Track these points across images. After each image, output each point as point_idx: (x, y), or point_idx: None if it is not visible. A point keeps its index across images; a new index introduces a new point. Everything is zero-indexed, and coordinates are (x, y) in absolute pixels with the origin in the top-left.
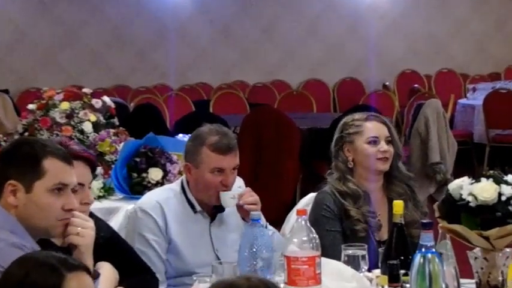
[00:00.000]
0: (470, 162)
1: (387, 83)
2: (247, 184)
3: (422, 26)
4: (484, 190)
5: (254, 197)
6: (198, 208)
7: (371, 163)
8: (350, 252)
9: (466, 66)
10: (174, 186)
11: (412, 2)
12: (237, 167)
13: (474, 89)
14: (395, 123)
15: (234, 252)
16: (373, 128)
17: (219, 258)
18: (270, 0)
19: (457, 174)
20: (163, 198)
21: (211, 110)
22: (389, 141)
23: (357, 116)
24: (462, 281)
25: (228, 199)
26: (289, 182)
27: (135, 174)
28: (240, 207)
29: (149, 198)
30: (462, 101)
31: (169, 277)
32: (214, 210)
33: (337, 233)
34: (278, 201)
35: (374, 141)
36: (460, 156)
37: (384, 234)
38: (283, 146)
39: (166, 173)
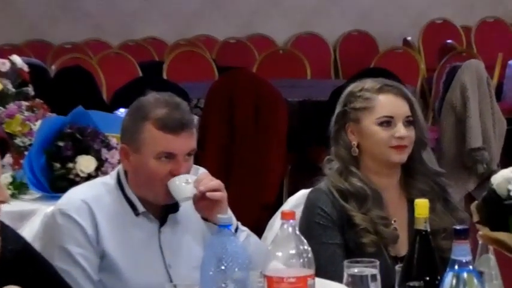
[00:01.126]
0: None
1: (409, 38)
2: (216, 176)
3: None
4: None
5: (216, 181)
6: (141, 209)
7: (383, 152)
8: (356, 271)
9: None
10: (108, 179)
11: None
12: (193, 152)
13: None
14: (421, 94)
15: (193, 270)
16: (388, 103)
17: (172, 278)
18: None
19: (506, 164)
20: (92, 196)
21: (164, 75)
22: (409, 123)
23: (367, 84)
24: None
25: (182, 186)
26: (273, 174)
27: (57, 165)
28: (198, 201)
29: (72, 198)
30: None
31: None
32: (164, 211)
33: (337, 246)
34: (258, 201)
35: (388, 122)
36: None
37: (402, 248)
38: (265, 125)
39: (101, 162)
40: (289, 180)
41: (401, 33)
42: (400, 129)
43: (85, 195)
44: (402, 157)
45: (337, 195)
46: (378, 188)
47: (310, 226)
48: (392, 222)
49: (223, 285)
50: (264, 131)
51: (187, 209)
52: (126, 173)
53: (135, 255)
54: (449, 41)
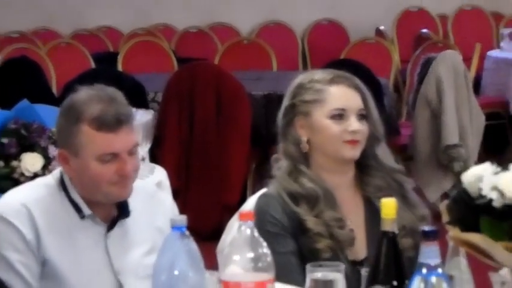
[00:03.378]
0: (504, 144)
1: (382, 28)
2: (173, 177)
3: None
4: None
5: None
6: (87, 211)
7: (334, 147)
8: (319, 275)
9: (496, 2)
10: (50, 180)
11: None
12: (136, 147)
13: (511, 36)
14: (394, 88)
15: (145, 278)
16: (340, 95)
17: (123, 286)
18: None
19: (484, 162)
20: (33, 199)
21: (119, 67)
22: (363, 117)
23: (318, 75)
24: None
25: None
26: (235, 173)
27: (1, 163)
28: None
29: (11, 201)
30: (493, 53)
31: None
32: (114, 215)
33: (290, 254)
34: (220, 201)
35: (340, 116)
36: (490, 136)
37: (360, 251)
38: (227, 121)
39: (48, 160)
40: (253, 179)
41: (373, 22)
42: (353, 123)
43: (25, 198)
44: (355, 153)
45: (287, 198)
46: (330, 187)
47: (263, 234)
48: (348, 223)
49: None
50: (226, 127)
51: (139, 214)
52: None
53: (80, 262)
54: (424, 30)
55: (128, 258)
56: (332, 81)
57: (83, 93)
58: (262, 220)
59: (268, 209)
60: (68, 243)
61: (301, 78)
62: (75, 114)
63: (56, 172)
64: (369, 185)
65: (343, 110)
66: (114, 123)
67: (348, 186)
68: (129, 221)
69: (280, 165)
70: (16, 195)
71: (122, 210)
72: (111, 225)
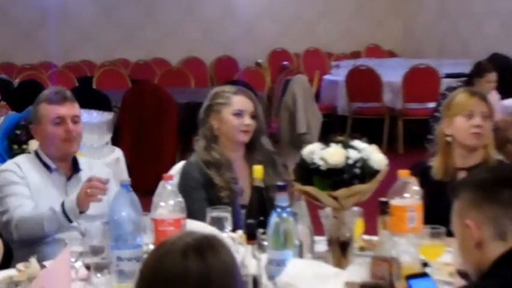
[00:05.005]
0: (334, 133)
1: (260, 61)
2: (127, 155)
3: (292, 9)
4: (333, 155)
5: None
6: (53, 166)
7: (234, 134)
8: (215, 214)
9: (330, 45)
10: (31, 153)
11: None
12: (77, 118)
13: (337, 66)
14: (267, 98)
15: (96, 212)
16: (240, 101)
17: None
18: None
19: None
20: (19, 161)
21: (94, 85)
22: (253, 117)
23: (227, 88)
24: (316, 238)
25: None
26: (167, 156)
27: (15, 146)
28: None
29: (9, 162)
30: (327, 76)
31: (24, 240)
32: (70, 171)
33: (203, 200)
34: (158, 171)
35: (239, 114)
36: (325, 128)
37: (246, 199)
38: (162, 120)
39: None
40: (179, 156)
41: (254, 57)
42: (247, 119)
43: (16, 160)
44: (247, 138)
45: (202, 164)
46: (229, 159)
47: (185, 187)
48: (239, 181)
49: (125, 225)
50: (161, 124)
51: (89, 174)
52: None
53: (50, 197)
54: (285, 62)
55: None
56: (236, 92)
57: (45, 90)
58: (185, 178)
59: (190, 171)
60: (43, 189)
61: (216, 89)
62: (38, 99)
63: (33, 149)
64: (253, 159)
65: (241, 110)
66: (60, 99)
67: (240, 159)
68: (80, 175)
69: (198, 143)
70: (12, 160)
71: (75, 168)
72: (69, 177)
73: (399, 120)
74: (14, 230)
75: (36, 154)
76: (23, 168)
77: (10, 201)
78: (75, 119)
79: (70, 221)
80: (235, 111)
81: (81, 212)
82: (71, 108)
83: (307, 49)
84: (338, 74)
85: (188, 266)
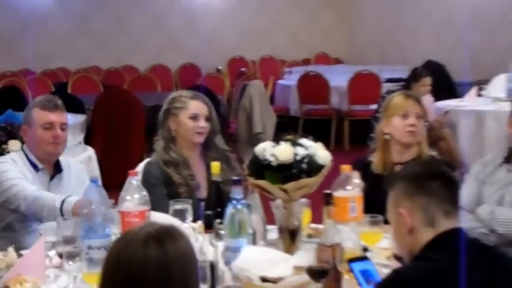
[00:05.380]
0: (287, 132)
1: (220, 67)
2: (99, 153)
3: (249, 20)
4: (283, 152)
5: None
6: (40, 166)
7: (190, 135)
8: (177, 207)
9: (283, 53)
10: (19, 152)
11: None
12: (65, 126)
13: (290, 72)
14: (227, 101)
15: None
16: (195, 106)
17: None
18: None
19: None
20: (13, 157)
21: (69, 90)
22: (207, 119)
23: (184, 93)
24: (268, 227)
25: None
26: (135, 152)
27: None
28: None
29: (4, 157)
30: (280, 81)
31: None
32: (53, 171)
33: (163, 196)
34: (127, 168)
35: (195, 117)
36: (279, 127)
37: (203, 193)
38: (131, 121)
39: (23, 143)
40: (147, 154)
41: (215, 64)
42: (202, 122)
43: (10, 156)
44: (202, 139)
45: (161, 163)
46: (186, 157)
47: (146, 185)
48: (197, 178)
49: (94, 218)
50: (129, 125)
51: (71, 173)
52: (27, 145)
53: None
54: (242, 69)
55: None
56: (192, 97)
57: (38, 97)
58: (146, 176)
59: (150, 169)
60: (31, 182)
61: (174, 94)
62: (31, 104)
63: (19, 148)
64: (208, 157)
65: (196, 114)
66: (52, 106)
67: (197, 157)
68: (62, 175)
69: (158, 143)
70: (7, 155)
71: (57, 168)
72: (52, 176)
73: (345, 121)
74: (23, 201)
75: (24, 153)
76: (17, 161)
77: (16, 178)
78: (63, 126)
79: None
80: (191, 114)
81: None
82: (60, 116)
83: (263, 57)
84: (290, 79)
85: (148, 253)
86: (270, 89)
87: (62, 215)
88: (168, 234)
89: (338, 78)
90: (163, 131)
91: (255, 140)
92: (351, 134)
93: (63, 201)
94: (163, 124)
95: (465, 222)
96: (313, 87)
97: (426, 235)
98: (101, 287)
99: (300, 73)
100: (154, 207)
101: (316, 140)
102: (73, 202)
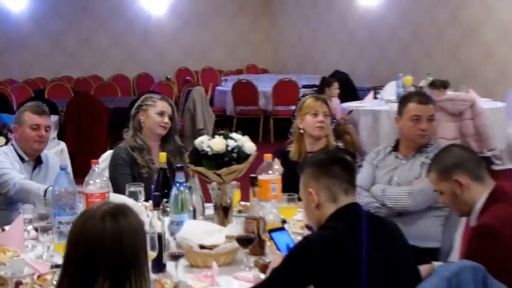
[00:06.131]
0: (223, 128)
1: (169, 76)
2: (70, 146)
3: (193, 38)
4: (217, 144)
5: None
6: (26, 158)
7: (155, 127)
8: (132, 189)
9: (220, 65)
10: (8, 146)
11: (183, 21)
12: (49, 128)
13: (226, 80)
14: (175, 103)
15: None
16: (163, 105)
17: None
18: (88, 18)
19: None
20: (4, 149)
21: (46, 96)
22: (170, 118)
23: (155, 95)
24: (206, 204)
25: None
26: (101, 144)
27: None
28: None
29: None
30: (218, 87)
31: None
32: (35, 162)
33: (128, 175)
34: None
35: (161, 114)
36: (217, 125)
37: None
38: (96, 119)
39: (8, 140)
40: (110, 147)
41: (165, 74)
42: (166, 119)
43: (2, 149)
44: (163, 132)
45: (128, 148)
46: (149, 146)
47: (114, 165)
48: (156, 163)
49: (62, 199)
50: (95, 124)
51: (49, 164)
52: (15, 141)
53: None
54: (187, 78)
55: (39, 182)
56: (161, 98)
57: (29, 103)
58: (115, 158)
59: (119, 153)
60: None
61: (146, 95)
62: (24, 108)
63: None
64: (165, 148)
65: (163, 111)
66: (40, 111)
67: (157, 147)
68: (43, 166)
69: (128, 133)
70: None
71: (38, 160)
72: (34, 167)
73: (270, 119)
74: (12, 187)
75: (14, 148)
76: (9, 155)
77: (8, 168)
78: (47, 129)
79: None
80: (159, 111)
81: None
82: (46, 120)
83: (204, 68)
84: (226, 86)
85: (105, 227)
86: (210, 93)
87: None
88: (121, 212)
89: (264, 85)
90: (134, 122)
91: (198, 135)
92: (275, 130)
93: (45, 190)
94: (135, 117)
95: (362, 198)
96: (244, 92)
97: (329, 209)
98: (66, 255)
99: (233, 81)
100: (119, 184)
101: (247, 134)
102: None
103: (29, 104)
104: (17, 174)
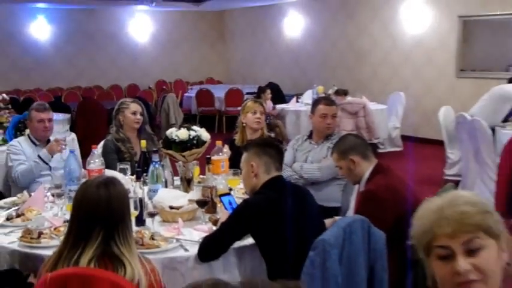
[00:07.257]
0: (188, 123)
1: (151, 86)
2: (79, 135)
3: (168, 58)
4: (182, 133)
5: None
6: (38, 143)
7: (131, 124)
8: (121, 166)
9: (188, 77)
10: (25, 136)
11: (162, 46)
12: (51, 119)
13: (191, 89)
14: (154, 105)
15: (57, 165)
16: (134, 106)
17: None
18: (93, 45)
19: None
20: (19, 140)
21: (62, 100)
22: (141, 115)
23: (128, 99)
24: (174, 177)
25: None
26: (101, 135)
27: (18, 133)
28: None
29: (12, 141)
30: (186, 94)
31: (24, 184)
32: (46, 145)
33: (115, 159)
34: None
35: (134, 113)
36: (185, 120)
37: (137, 158)
38: (97, 116)
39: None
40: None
41: (147, 83)
42: (138, 116)
43: (17, 139)
44: (138, 126)
45: (114, 140)
46: (129, 137)
47: (105, 153)
48: (134, 149)
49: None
50: (97, 120)
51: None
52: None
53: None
54: (164, 87)
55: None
56: (132, 101)
57: (34, 103)
58: (105, 148)
59: (108, 143)
60: (31, 154)
61: (122, 100)
62: (31, 108)
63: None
64: (141, 137)
65: (135, 111)
66: (42, 109)
67: (135, 137)
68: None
69: (112, 129)
70: (15, 139)
71: (47, 143)
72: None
73: (223, 116)
74: (17, 179)
75: (29, 136)
76: (22, 144)
77: (15, 162)
78: (50, 120)
79: (46, 163)
80: (132, 111)
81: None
82: (48, 114)
83: (176, 79)
84: (192, 93)
85: (99, 193)
86: (180, 98)
87: (43, 161)
88: (110, 182)
89: (219, 92)
90: (116, 121)
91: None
92: (227, 124)
93: (38, 156)
94: (116, 117)
95: (286, 172)
96: (204, 97)
97: (264, 179)
98: (72, 214)
99: (197, 89)
100: (109, 166)
101: (206, 127)
102: (44, 150)
103: (34, 104)
104: (21, 167)
